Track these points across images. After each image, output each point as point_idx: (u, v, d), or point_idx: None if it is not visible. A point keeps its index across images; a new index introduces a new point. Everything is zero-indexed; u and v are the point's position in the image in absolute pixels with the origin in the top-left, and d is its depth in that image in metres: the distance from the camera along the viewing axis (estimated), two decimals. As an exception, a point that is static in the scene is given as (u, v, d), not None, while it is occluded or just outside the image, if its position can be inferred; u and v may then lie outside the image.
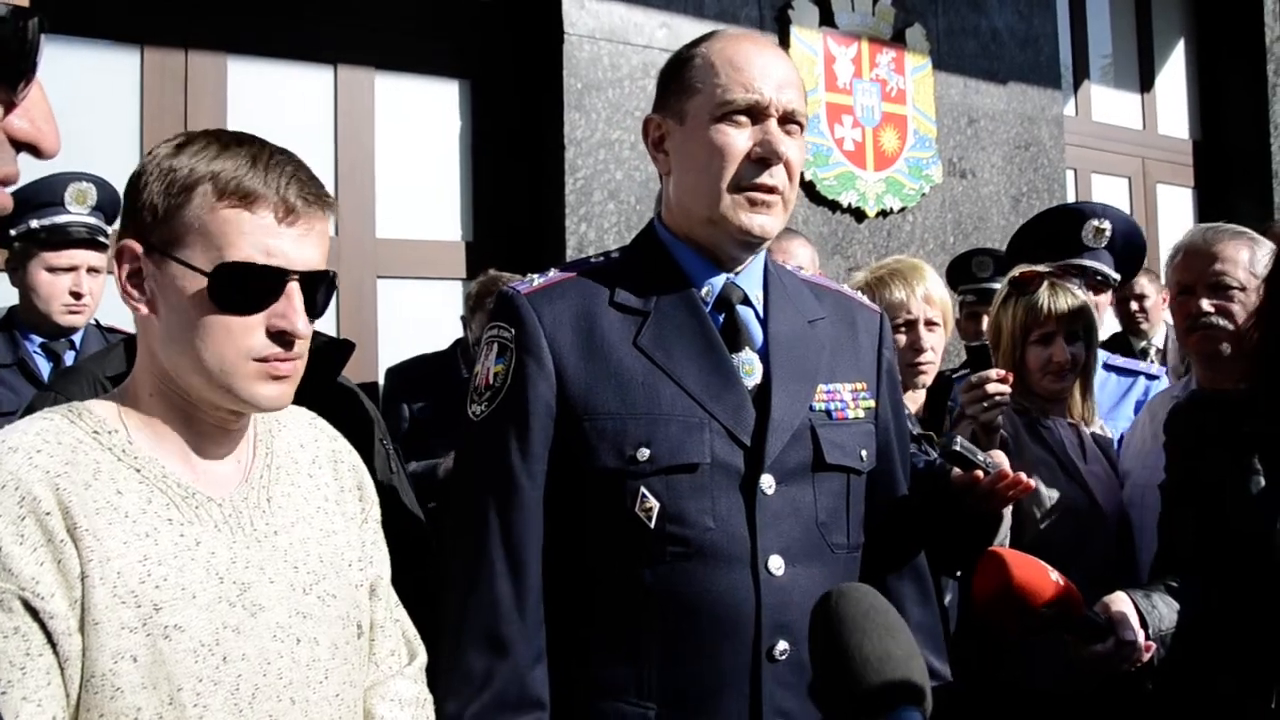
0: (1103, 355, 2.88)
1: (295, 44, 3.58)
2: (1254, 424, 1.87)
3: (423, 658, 1.45)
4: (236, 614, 1.16)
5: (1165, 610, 1.77)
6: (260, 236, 1.17)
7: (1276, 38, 6.14)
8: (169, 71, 3.37)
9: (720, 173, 1.47)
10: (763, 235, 1.52)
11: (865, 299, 1.77)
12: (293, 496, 1.30)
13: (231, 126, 3.33)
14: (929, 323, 2.55)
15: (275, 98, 3.56)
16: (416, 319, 3.75)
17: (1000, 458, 1.68)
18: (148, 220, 1.17)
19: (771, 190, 1.49)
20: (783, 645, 1.43)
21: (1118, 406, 2.92)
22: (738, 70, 1.48)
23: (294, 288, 1.20)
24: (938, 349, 2.59)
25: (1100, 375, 2.88)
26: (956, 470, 1.68)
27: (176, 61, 3.38)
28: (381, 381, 3.38)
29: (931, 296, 2.56)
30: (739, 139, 1.47)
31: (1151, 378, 3.03)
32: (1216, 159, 6.33)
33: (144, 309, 1.19)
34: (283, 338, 1.20)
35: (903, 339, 2.52)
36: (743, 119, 1.47)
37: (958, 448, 1.66)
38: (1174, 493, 2.01)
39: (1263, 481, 1.83)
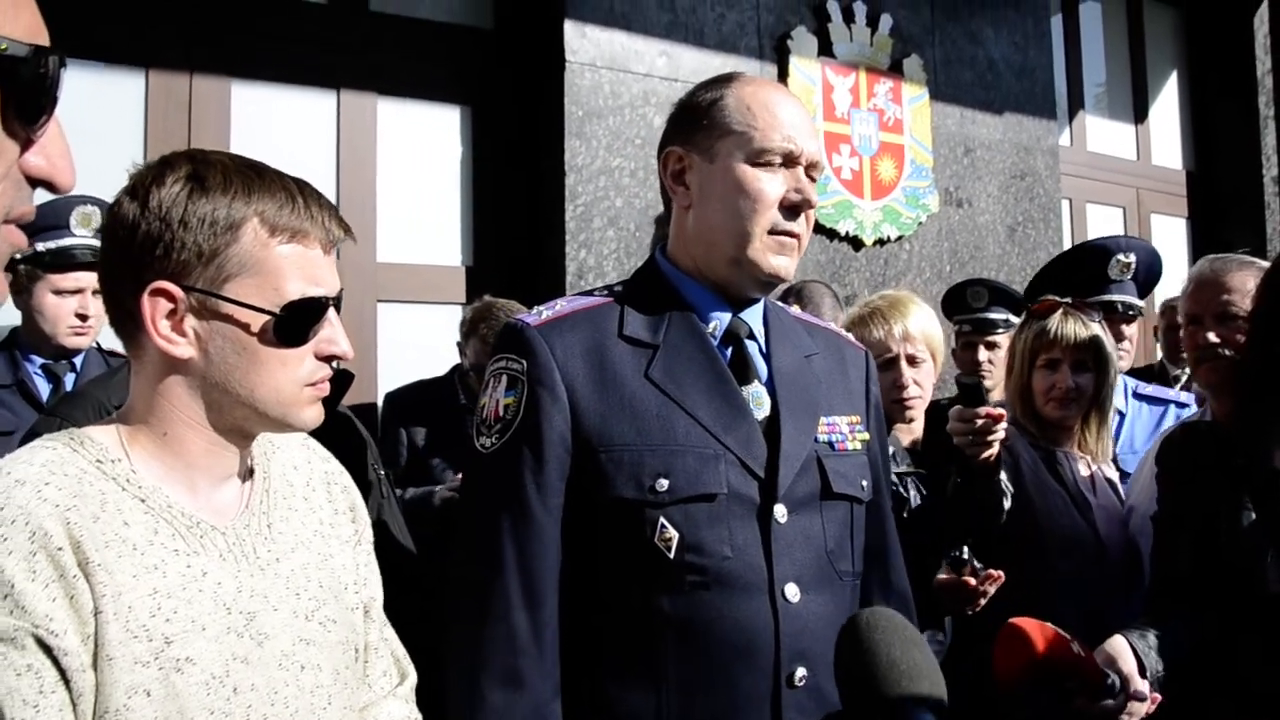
0: (1132, 384, 2.91)
1: (298, 69, 3.61)
2: (1242, 457, 1.90)
3: (413, 678, 1.45)
4: (244, 644, 1.16)
5: (1153, 658, 1.79)
6: (311, 269, 1.21)
7: (1267, 70, 6.21)
8: (173, 95, 3.40)
9: (753, 215, 1.49)
10: (785, 277, 1.55)
11: (851, 337, 1.82)
12: (291, 521, 1.30)
13: (234, 150, 3.38)
14: (910, 359, 2.56)
15: (278, 122, 3.59)
16: (416, 344, 3.76)
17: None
18: (190, 261, 1.16)
19: (795, 235, 1.52)
20: (801, 671, 1.44)
21: (1153, 436, 2.92)
22: (774, 116, 1.51)
23: (332, 311, 1.24)
24: (923, 383, 2.59)
25: (1133, 406, 2.89)
26: (942, 575, 1.84)
27: (180, 85, 3.41)
28: (380, 406, 3.38)
29: (910, 333, 2.57)
30: (773, 184, 1.50)
31: (1181, 405, 3.04)
32: (1210, 190, 6.39)
33: (191, 352, 1.18)
34: (329, 360, 1.24)
35: (884, 377, 2.52)
36: (776, 165, 1.51)
37: (964, 555, 1.95)
38: (1167, 522, 2.04)
39: (1253, 515, 1.85)
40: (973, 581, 2.04)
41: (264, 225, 1.18)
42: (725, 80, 1.58)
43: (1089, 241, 3.38)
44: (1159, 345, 4.69)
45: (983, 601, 2.12)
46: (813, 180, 1.55)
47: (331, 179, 3.63)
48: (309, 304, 1.20)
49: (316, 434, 1.48)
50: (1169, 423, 2.95)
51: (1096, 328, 2.53)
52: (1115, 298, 2.95)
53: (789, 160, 1.51)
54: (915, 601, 1.75)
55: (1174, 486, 2.04)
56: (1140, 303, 3.04)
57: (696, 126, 1.55)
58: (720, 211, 1.51)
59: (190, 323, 1.17)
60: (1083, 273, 3.00)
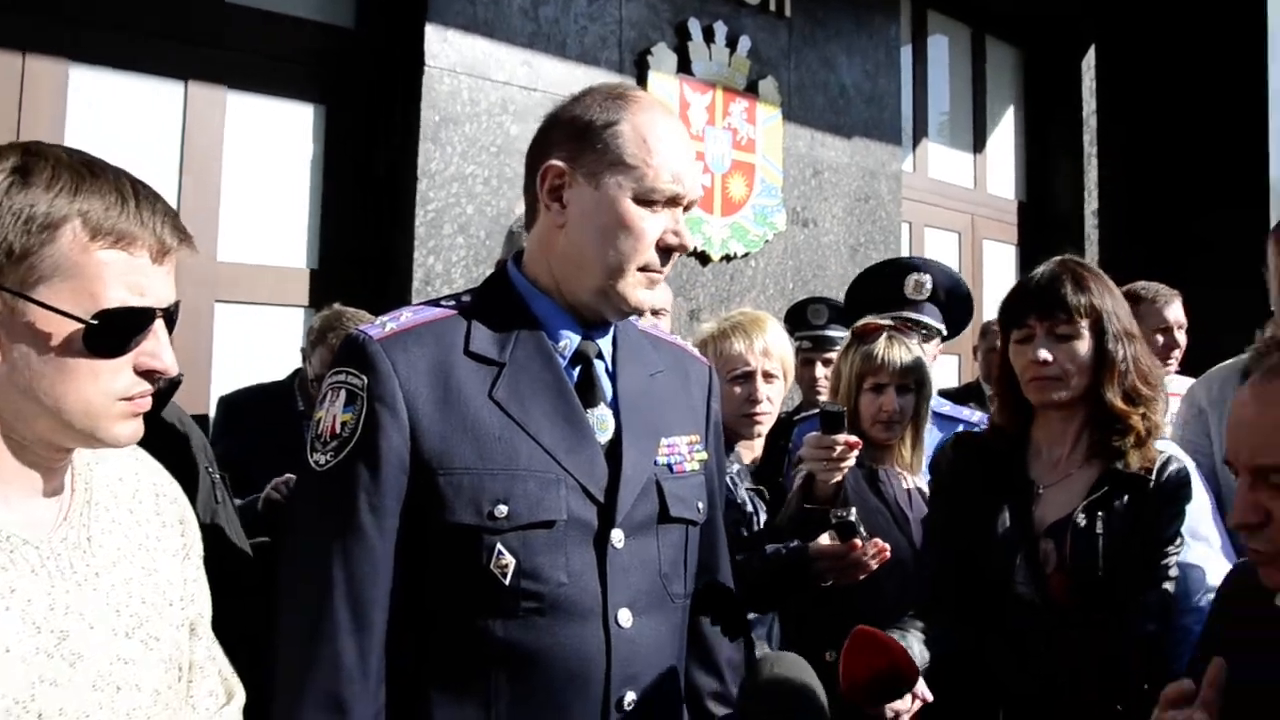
0: (934, 402, 3.01)
1: (144, 56, 3.49)
2: (1003, 467, 2.04)
3: (241, 697, 1.41)
4: (54, 665, 1.10)
5: (919, 649, 1.92)
6: (135, 277, 1.13)
7: (1092, 111, 6.64)
8: (4, 74, 3.24)
9: (632, 254, 1.48)
10: (647, 310, 1.56)
11: (696, 351, 1.81)
12: (113, 534, 1.25)
13: (70, 136, 3.28)
14: (766, 375, 2.57)
15: (120, 110, 3.45)
16: (255, 346, 3.68)
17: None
18: None
19: (662, 271, 1.53)
20: (630, 695, 1.46)
21: (930, 454, 3.07)
22: (667, 155, 1.49)
23: (159, 324, 1.17)
24: (774, 400, 2.62)
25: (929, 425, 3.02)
26: (825, 540, 1.87)
27: (12, 64, 3.25)
28: (214, 409, 3.30)
29: (770, 350, 2.60)
30: (655, 225, 1.49)
31: (971, 426, 3.12)
32: (1039, 219, 6.77)
33: None
34: (150, 376, 1.16)
35: (740, 390, 2.55)
36: (661, 205, 1.49)
37: (852, 519, 1.90)
38: (934, 532, 2.17)
39: (1008, 521, 1.99)
40: (859, 544, 2.03)
41: (86, 227, 1.10)
42: (621, 100, 1.52)
43: (888, 260, 3.47)
44: (978, 364, 4.95)
45: (862, 576, 2.10)
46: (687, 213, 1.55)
47: (174, 173, 3.52)
48: (127, 314, 1.12)
49: (144, 438, 1.46)
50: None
51: (918, 350, 2.64)
52: (913, 316, 3.01)
53: (672, 201, 1.50)
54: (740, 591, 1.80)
55: (942, 496, 2.17)
56: (940, 327, 3.09)
57: (586, 147, 1.49)
58: (597, 242, 1.48)
59: None
60: (882, 289, 3.07)
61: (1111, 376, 1.96)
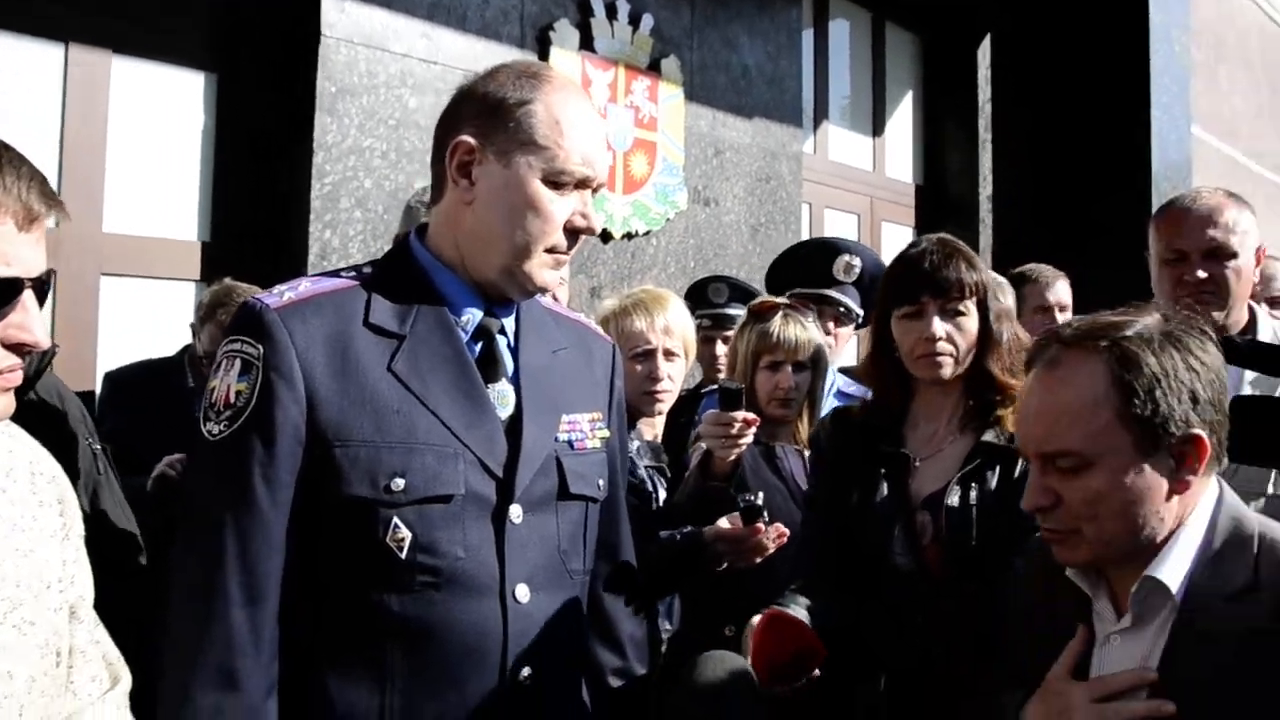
0: (841, 381, 3.04)
1: (19, 15, 3.31)
2: (880, 441, 2.09)
3: (126, 682, 1.37)
4: None
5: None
6: None
7: (987, 99, 6.83)
8: None
9: (540, 235, 1.48)
10: (551, 289, 1.58)
11: (599, 329, 1.82)
12: None
13: (-61, 101, 3.11)
14: (667, 353, 2.59)
15: (-8, 73, 3.31)
16: (144, 321, 3.57)
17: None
18: None
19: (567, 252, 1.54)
20: (528, 670, 1.47)
21: None
22: (580, 137, 1.49)
23: (28, 295, 1.12)
24: (675, 378, 2.64)
25: (832, 402, 3.08)
26: (724, 524, 1.92)
27: (-128, 23, 3.09)
28: (99, 386, 3.20)
29: (671, 328, 2.61)
30: (563, 207, 1.49)
31: None
32: (935, 202, 6.96)
33: None
34: (20, 349, 1.12)
35: (641, 367, 2.57)
36: (570, 187, 1.50)
37: (759, 503, 1.99)
38: (815, 505, 2.20)
39: (885, 494, 2.03)
40: (762, 528, 2.11)
41: None
42: (535, 79, 1.51)
43: (819, 239, 3.53)
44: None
45: (758, 560, 2.19)
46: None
47: (54, 140, 3.37)
48: None
49: (20, 409, 1.40)
50: None
51: (814, 329, 2.69)
52: (833, 295, 3.09)
53: (582, 184, 1.50)
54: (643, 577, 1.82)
55: (822, 469, 2.21)
56: (859, 310, 3.17)
57: (498, 126, 1.49)
58: (505, 221, 1.48)
59: None
60: (809, 268, 3.15)
61: (996, 351, 2.03)
